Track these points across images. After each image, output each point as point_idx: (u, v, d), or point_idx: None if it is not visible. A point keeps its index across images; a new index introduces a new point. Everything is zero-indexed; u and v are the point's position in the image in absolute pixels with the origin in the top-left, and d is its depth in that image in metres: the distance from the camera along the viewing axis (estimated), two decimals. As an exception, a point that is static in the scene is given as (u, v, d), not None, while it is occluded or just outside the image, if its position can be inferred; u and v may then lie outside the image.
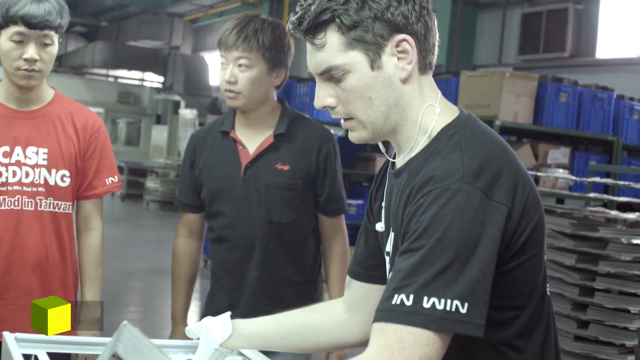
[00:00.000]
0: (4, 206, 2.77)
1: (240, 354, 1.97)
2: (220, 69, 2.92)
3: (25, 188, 2.78)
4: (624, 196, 7.29)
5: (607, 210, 5.45)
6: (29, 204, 2.79)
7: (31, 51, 2.71)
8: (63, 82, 22.69)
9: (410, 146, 1.69)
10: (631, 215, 5.11)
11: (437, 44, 1.72)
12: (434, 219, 1.51)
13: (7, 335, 1.89)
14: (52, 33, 2.74)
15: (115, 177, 3.00)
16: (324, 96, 1.70)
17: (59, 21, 2.74)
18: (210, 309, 2.96)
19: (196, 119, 19.94)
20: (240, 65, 2.84)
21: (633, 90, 9.97)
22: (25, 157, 2.79)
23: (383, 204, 1.81)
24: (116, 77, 26.72)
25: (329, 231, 3.03)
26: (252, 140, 2.94)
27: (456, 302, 1.46)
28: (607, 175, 8.40)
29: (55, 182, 2.83)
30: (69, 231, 2.92)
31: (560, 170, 8.32)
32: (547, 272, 1.71)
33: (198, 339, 1.93)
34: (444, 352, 1.49)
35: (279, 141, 2.92)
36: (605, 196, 5.91)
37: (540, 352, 1.68)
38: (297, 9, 1.68)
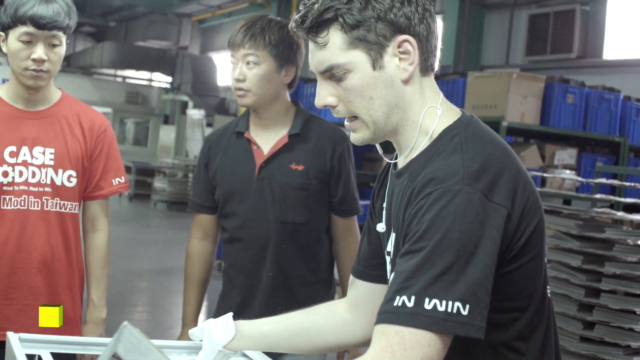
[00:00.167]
0: (11, 206, 2.78)
1: (244, 355, 1.98)
2: (231, 69, 2.94)
3: (31, 188, 2.80)
4: (631, 197, 7.27)
5: (613, 212, 5.44)
6: (36, 203, 2.80)
7: (39, 51, 2.72)
8: (71, 82, 22.75)
9: (411, 147, 1.70)
10: (638, 217, 5.09)
11: (439, 46, 1.73)
12: (434, 221, 1.51)
13: (10, 335, 1.90)
14: (60, 34, 2.75)
15: (122, 177, 3.01)
16: (325, 95, 1.70)
17: (67, 22, 2.75)
18: (222, 310, 2.95)
19: (204, 119, 19.96)
20: (248, 63, 2.86)
21: (640, 92, 9.96)
22: (32, 157, 2.81)
23: (384, 205, 1.82)
24: (124, 77, 26.76)
25: (342, 232, 3.03)
26: (266, 140, 2.95)
27: (457, 303, 1.47)
28: (614, 176, 8.38)
29: (62, 182, 2.84)
30: (76, 231, 2.92)
31: (567, 171, 8.31)
32: (547, 274, 1.71)
33: (201, 340, 1.94)
34: (445, 353, 1.50)
35: (294, 141, 2.93)
36: (612, 197, 5.90)
37: (540, 354, 1.68)
38: (301, 8, 1.69)
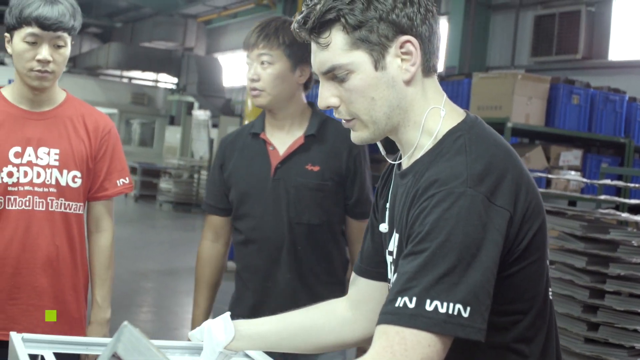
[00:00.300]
0: (15, 206, 2.78)
1: (246, 355, 1.98)
2: (247, 70, 2.94)
3: (36, 188, 2.80)
4: (636, 199, 7.27)
5: (618, 213, 5.42)
6: (40, 204, 2.81)
7: (44, 52, 2.72)
8: (77, 83, 22.79)
9: (413, 147, 1.70)
10: (642, 218, 5.09)
11: (441, 47, 1.73)
12: (437, 223, 1.51)
13: (13, 335, 1.90)
14: (65, 35, 2.76)
15: (127, 178, 3.02)
16: (327, 96, 1.70)
17: (72, 23, 2.76)
18: (236, 312, 2.94)
19: (209, 120, 19.98)
20: (262, 63, 2.87)
21: (645, 93, 9.94)
22: (37, 157, 2.81)
23: (387, 205, 1.82)
24: (130, 78, 26.81)
25: (356, 234, 3.00)
26: (282, 141, 2.95)
27: (459, 305, 1.47)
28: (619, 177, 8.37)
29: (67, 182, 2.85)
30: (80, 232, 2.93)
31: (572, 173, 8.30)
32: (549, 277, 1.71)
33: (202, 341, 1.95)
34: (445, 355, 1.50)
35: (310, 142, 2.93)
36: (617, 198, 5.88)
37: (542, 356, 1.68)
38: (303, 8, 1.70)
